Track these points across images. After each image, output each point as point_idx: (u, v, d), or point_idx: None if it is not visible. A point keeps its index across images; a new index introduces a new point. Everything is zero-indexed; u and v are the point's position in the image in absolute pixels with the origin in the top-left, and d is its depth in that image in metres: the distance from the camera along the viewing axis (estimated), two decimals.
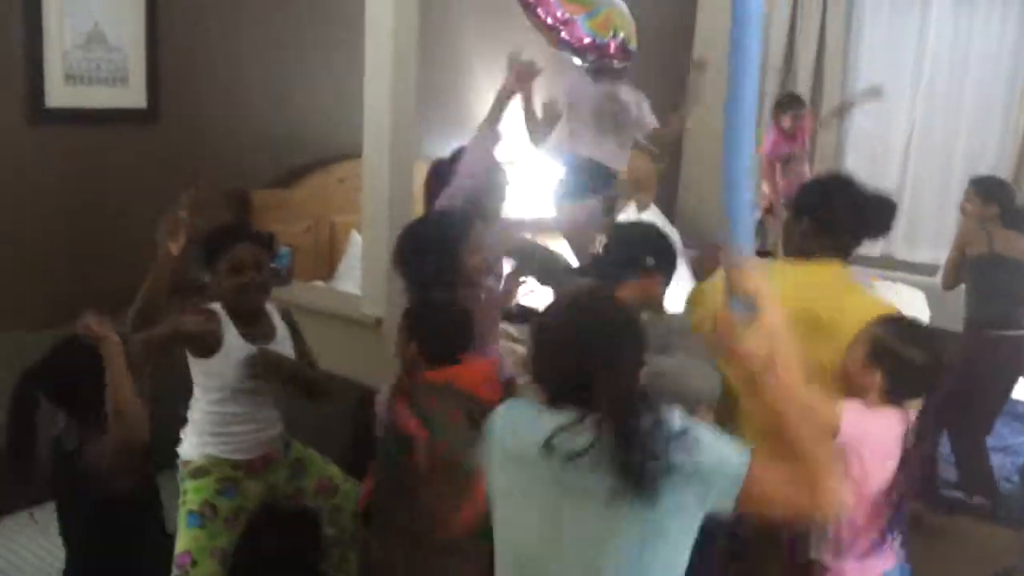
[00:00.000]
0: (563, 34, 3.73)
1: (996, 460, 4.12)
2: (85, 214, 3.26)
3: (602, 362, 1.46)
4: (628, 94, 3.90)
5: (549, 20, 3.71)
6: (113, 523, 2.05)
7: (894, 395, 2.06)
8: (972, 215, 3.86)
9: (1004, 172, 5.40)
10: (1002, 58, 5.50)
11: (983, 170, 5.57)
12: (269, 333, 2.51)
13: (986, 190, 3.86)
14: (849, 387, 2.08)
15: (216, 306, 2.43)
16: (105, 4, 3.25)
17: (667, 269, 2.29)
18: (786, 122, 5.29)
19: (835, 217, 2.22)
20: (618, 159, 4.05)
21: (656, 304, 2.25)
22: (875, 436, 2.01)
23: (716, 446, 1.42)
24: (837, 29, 5.87)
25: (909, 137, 5.82)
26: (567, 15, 3.71)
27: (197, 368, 2.44)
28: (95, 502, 1.98)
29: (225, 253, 2.40)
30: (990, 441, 4.33)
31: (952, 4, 5.66)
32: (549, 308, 1.63)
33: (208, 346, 2.38)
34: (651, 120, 3.97)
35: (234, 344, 2.40)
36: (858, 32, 5.92)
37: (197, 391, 2.47)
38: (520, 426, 1.54)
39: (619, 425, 1.40)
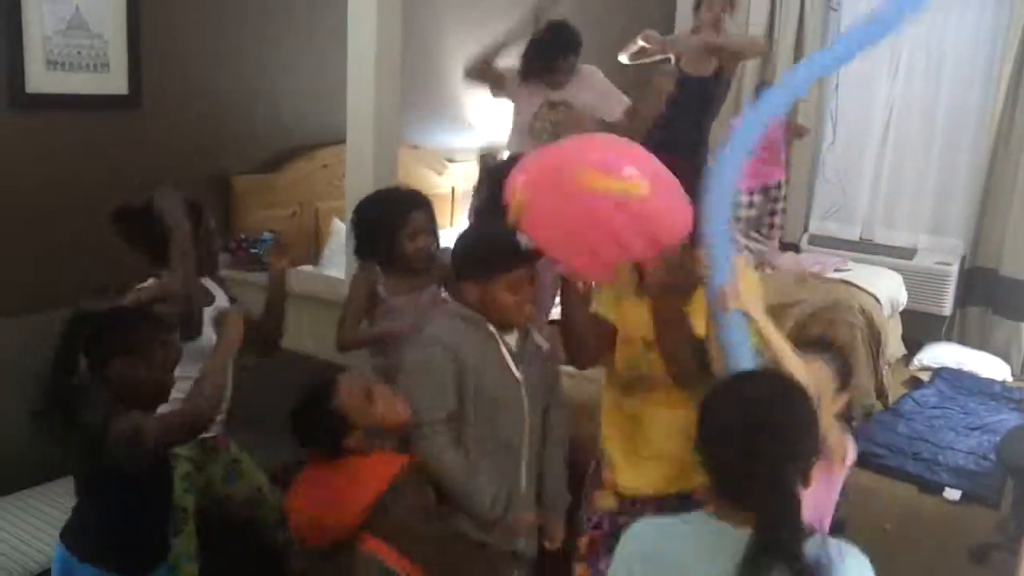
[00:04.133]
0: None
1: (973, 439, 4.20)
2: (66, 200, 3.25)
3: (783, 455, 1.35)
4: (582, 93, 3.62)
5: None
6: (134, 497, 2.03)
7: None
8: None
9: (982, 156, 5.46)
10: (980, 42, 5.54)
11: (961, 155, 5.65)
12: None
13: None
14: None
15: (150, 283, 2.42)
16: None
17: None
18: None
19: None
20: None
21: None
22: None
23: None
24: (817, 11, 5.90)
25: (887, 121, 5.86)
26: None
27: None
28: (119, 477, 1.96)
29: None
30: (967, 420, 4.41)
31: None
32: (723, 387, 1.52)
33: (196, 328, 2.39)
34: (617, 104, 3.69)
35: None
36: (838, 15, 5.95)
37: None
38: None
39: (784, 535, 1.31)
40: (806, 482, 1.38)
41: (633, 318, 2.13)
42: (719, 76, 4.20)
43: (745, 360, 1.82)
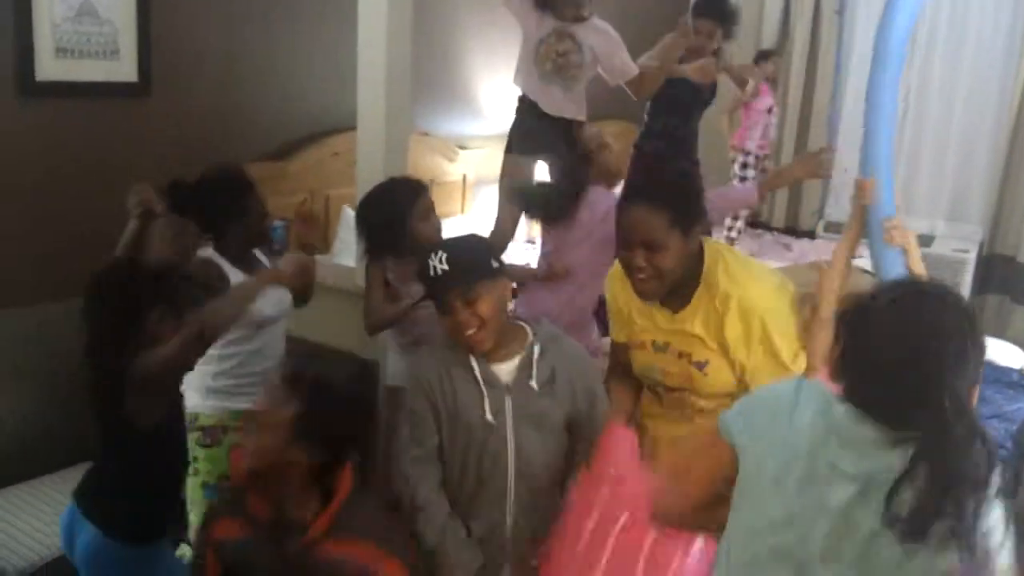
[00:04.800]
0: None
1: (990, 428, 4.15)
2: (75, 188, 3.24)
3: (947, 370, 1.23)
4: (591, 35, 3.46)
5: None
6: (149, 455, 2.04)
7: None
8: None
9: (1001, 143, 5.39)
10: (1000, 26, 5.47)
11: (980, 141, 5.58)
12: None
13: None
14: None
15: (208, 252, 2.50)
16: None
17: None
18: (769, 70, 5.41)
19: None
20: (563, 109, 3.58)
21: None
22: None
23: None
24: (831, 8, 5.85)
25: (904, 106, 5.79)
26: None
27: None
28: (136, 432, 1.97)
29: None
30: (984, 409, 4.36)
31: None
32: (871, 297, 1.35)
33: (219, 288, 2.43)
34: (624, 66, 3.54)
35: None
36: (842, 19, 5.90)
37: None
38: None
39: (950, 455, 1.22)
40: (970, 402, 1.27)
41: (642, 323, 2.14)
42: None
43: None
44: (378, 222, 2.71)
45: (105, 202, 3.28)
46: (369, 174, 3.11)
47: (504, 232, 3.42)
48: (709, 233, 2.65)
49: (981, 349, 1.27)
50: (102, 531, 2.02)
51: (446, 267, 1.95)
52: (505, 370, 2.05)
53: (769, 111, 5.49)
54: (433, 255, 1.98)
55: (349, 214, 3.98)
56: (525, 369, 2.04)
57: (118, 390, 1.94)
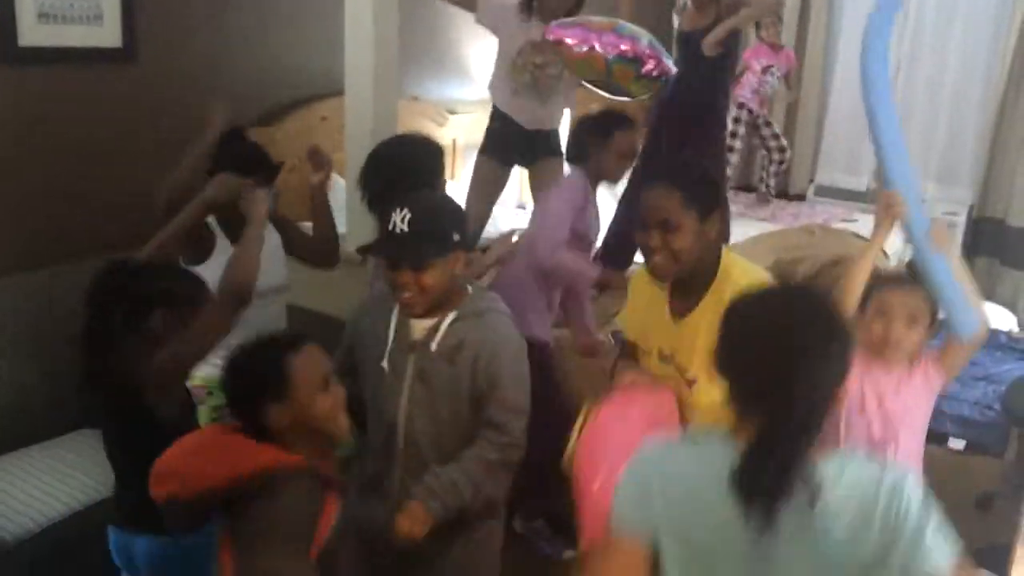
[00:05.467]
0: (648, 66, 3.27)
1: (978, 390, 4.18)
2: (60, 154, 3.21)
3: (802, 364, 1.29)
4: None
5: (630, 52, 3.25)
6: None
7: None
8: None
9: (991, 106, 5.39)
10: None
11: (970, 105, 5.57)
12: None
13: None
14: (892, 351, 2.12)
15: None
16: None
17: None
18: (766, 32, 5.41)
19: None
20: (540, 122, 3.55)
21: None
22: None
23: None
24: None
25: (895, 71, 5.77)
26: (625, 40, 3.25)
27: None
28: (152, 428, 1.94)
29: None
30: (973, 371, 4.40)
31: None
32: (751, 297, 1.44)
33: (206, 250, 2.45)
34: None
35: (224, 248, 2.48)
36: None
37: None
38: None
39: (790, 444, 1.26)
40: (829, 404, 1.33)
41: (656, 332, 2.13)
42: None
43: (958, 297, 2.02)
44: (409, 182, 2.45)
45: (89, 169, 3.28)
46: (358, 139, 3.09)
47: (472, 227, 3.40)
48: (726, 240, 2.62)
49: (843, 349, 1.33)
50: (156, 534, 2.01)
51: (406, 229, 1.90)
52: (419, 327, 2.04)
53: (765, 71, 5.47)
54: (398, 210, 1.91)
55: (340, 182, 3.96)
56: (434, 332, 2.03)
57: (132, 396, 1.92)
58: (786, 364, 1.29)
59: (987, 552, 2.94)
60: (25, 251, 3.08)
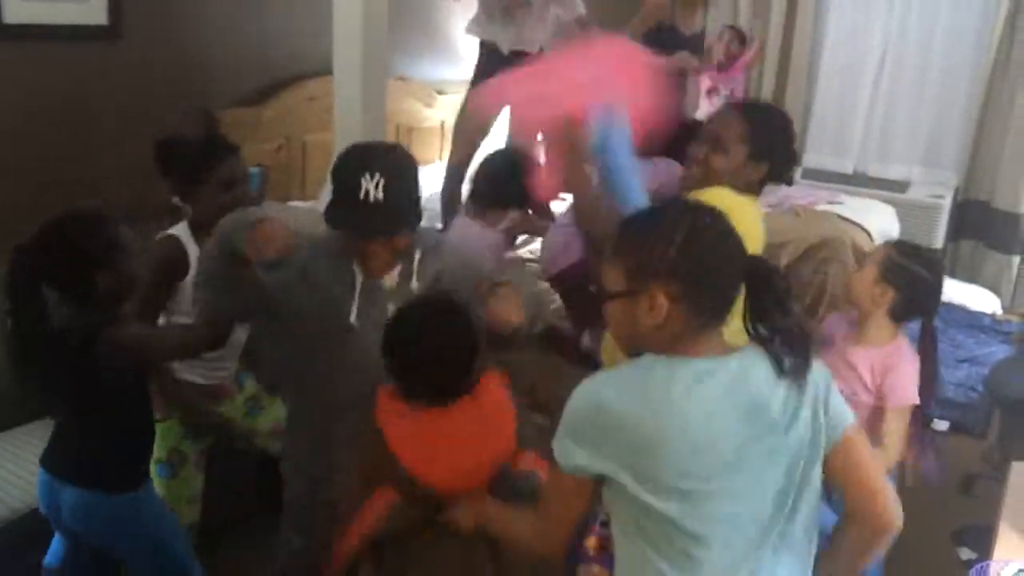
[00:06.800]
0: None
1: (962, 371, 4.23)
2: (45, 132, 3.18)
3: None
4: None
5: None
6: (117, 413, 2.01)
7: (901, 313, 2.14)
8: None
9: (977, 88, 5.40)
10: None
11: (956, 87, 5.58)
12: None
13: None
14: (856, 303, 2.15)
15: (179, 229, 2.35)
16: None
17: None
18: (719, 52, 4.68)
19: None
20: (521, 43, 3.74)
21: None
22: None
23: None
24: None
25: (883, 53, 5.77)
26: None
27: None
28: (102, 393, 1.93)
29: (217, 167, 2.30)
30: (957, 353, 4.44)
31: None
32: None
33: (182, 271, 2.31)
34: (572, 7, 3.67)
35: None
36: None
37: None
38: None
39: None
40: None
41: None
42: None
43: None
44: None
45: (75, 146, 3.25)
46: (347, 119, 3.08)
47: (459, 163, 3.49)
48: None
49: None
50: (87, 488, 2.00)
51: (380, 197, 1.80)
52: (388, 276, 2.02)
53: (709, 94, 4.68)
54: (369, 175, 1.80)
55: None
56: (407, 277, 2.00)
57: (82, 351, 1.87)
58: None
59: (970, 532, 2.99)
60: (8, 228, 3.05)
